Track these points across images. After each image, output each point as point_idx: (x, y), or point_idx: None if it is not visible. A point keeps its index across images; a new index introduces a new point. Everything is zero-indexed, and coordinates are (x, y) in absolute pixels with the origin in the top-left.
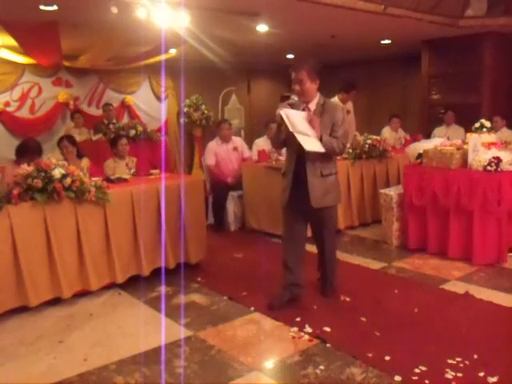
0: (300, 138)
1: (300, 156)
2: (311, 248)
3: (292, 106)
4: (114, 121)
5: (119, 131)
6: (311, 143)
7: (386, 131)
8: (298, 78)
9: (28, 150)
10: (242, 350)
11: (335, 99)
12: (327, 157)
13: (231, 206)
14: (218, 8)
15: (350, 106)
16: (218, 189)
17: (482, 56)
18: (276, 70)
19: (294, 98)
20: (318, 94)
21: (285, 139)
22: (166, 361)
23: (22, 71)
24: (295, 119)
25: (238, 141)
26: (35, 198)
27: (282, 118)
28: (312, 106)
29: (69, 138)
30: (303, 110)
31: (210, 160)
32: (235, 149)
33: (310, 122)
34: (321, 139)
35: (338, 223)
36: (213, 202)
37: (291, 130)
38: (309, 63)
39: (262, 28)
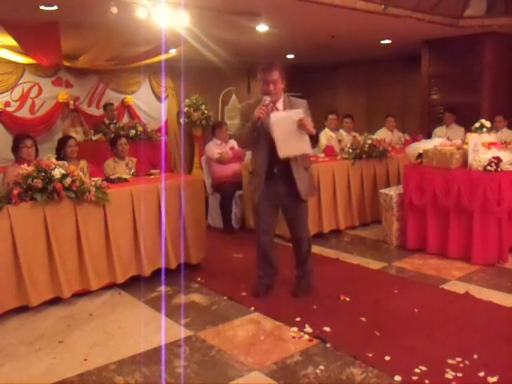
0: (278, 145)
1: (275, 154)
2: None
3: (266, 108)
4: (115, 121)
5: (119, 131)
6: (289, 147)
7: (382, 132)
8: (273, 79)
9: (20, 141)
10: (242, 350)
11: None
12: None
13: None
14: (218, 8)
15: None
16: (225, 188)
17: (482, 56)
18: None
19: (267, 98)
20: (283, 94)
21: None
22: (166, 361)
23: (22, 71)
24: (283, 124)
25: (232, 141)
26: (35, 198)
27: (258, 120)
28: (279, 104)
29: (73, 138)
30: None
31: (216, 153)
32: (231, 149)
33: (301, 122)
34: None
35: (339, 223)
36: (220, 203)
37: (275, 137)
38: (280, 65)
39: (262, 28)
